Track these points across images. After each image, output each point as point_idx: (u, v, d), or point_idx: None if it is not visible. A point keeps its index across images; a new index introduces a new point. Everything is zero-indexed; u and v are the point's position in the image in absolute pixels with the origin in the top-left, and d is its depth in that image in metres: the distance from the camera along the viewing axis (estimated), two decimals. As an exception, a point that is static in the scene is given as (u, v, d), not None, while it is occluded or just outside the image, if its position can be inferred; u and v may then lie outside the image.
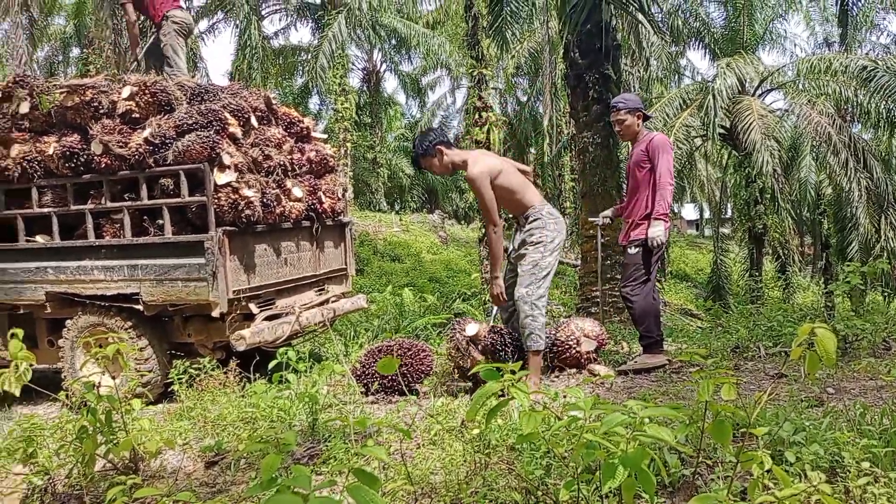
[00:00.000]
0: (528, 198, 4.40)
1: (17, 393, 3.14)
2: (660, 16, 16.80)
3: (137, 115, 5.07)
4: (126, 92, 5.06)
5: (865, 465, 2.35)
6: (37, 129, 5.27)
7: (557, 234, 4.35)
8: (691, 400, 3.53)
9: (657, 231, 4.61)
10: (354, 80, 28.70)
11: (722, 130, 14.43)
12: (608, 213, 5.31)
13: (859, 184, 13.89)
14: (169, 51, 6.43)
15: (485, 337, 4.44)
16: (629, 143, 5.02)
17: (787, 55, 22.21)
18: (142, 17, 6.91)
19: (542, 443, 2.66)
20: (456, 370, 4.70)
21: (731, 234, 22.06)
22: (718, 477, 2.49)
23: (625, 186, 6.46)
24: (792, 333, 5.03)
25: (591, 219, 7.04)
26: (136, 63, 6.72)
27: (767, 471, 1.78)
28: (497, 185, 4.27)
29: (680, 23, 17.91)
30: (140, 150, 4.89)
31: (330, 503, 1.51)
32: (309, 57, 23.96)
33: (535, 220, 4.36)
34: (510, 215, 4.56)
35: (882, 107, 13.08)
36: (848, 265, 4.91)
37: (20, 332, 3.19)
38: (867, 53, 18.24)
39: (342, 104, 22.02)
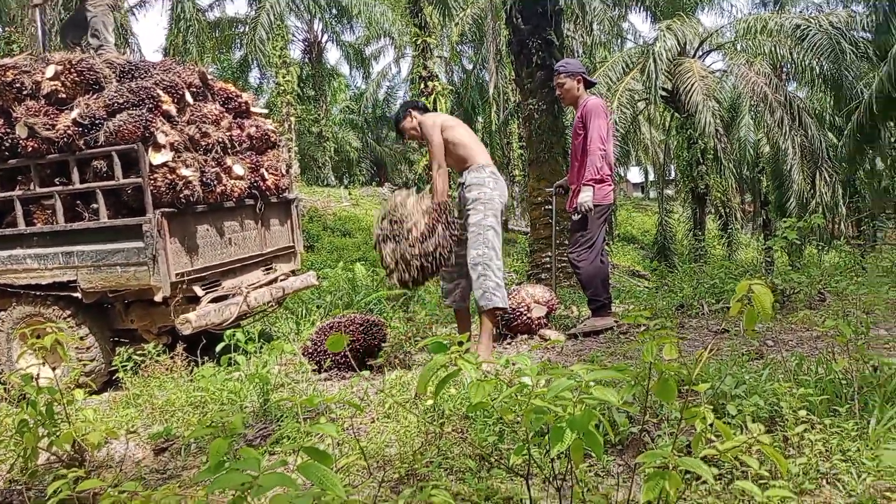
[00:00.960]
0: (472, 154, 4.42)
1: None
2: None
3: (64, 96, 4.84)
4: (50, 71, 4.81)
5: (802, 413, 2.44)
6: (-45, 114, 4.98)
7: (497, 194, 4.34)
8: (638, 360, 3.61)
9: (585, 197, 4.66)
10: (295, 52, 28.12)
11: (664, 93, 14.64)
12: (562, 181, 5.36)
13: (794, 141, 14.32)
14: (99, 24, 6.09)
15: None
16: (573, 108, 5.04)
17: (726, 17, 22.60)
18: None
19: (494, 411, 2.69)
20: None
21: (675, 195, 22.55)
22: (665, 433, 2.56)
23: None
24: (733, 290, 5.18)
25: (547, 189, 7.12)
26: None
27: (710, 425, 1.83)
28: (446, 136, 4.37)
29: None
30: (69, 131, 4.68)
31: (282, 479, 1.49)
32: (247, 29, 23.27)
33: (474, 176, 4.36)
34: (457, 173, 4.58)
35: (815, 64, 13.44)
36: (785, 221, 5.06)
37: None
38: (801, 12, 18.67)
39: (283, 77, 21.56)
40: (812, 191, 14.34)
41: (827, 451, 2.31)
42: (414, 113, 4.55)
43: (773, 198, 17.96)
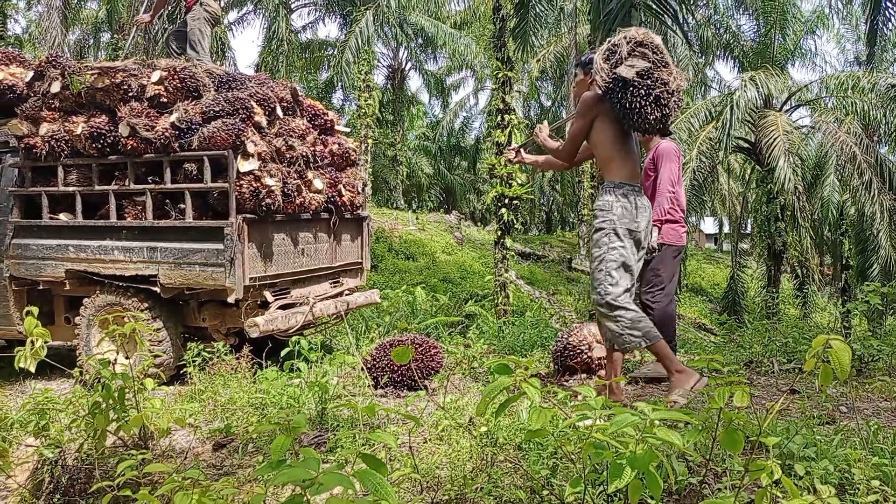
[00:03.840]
0: (614, 167, 3.73)
1: (33, 369, 3.19)
2: (690, 26, 16.70)
3: (165, 100, 5.13)
4: (156, 76, 5.12)
5: (875, 483, 2.32)
6: (66, 109, 5.35)
7: (625, 221, 3.67)
8: (700, 411, 3.51)
9: (653, 236, 4.59)
10: (379, 78, 28.83)
11: (746, 145, 14.29)
12: None
13: (882, 205, 13.72)
14: (196, 35, 6.46)
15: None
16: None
17: (817, 72, 21.98)
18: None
19: (550, 442, 2.67)
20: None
21: (749, 249, 21.86)
22: (725, 487, 2.48)
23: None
24: (807, 350, 4.98)
25: None
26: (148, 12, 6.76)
27: (776, 482, 1.77)
28: (598, 125, 3.71)
29: (710, 34, 17.77)
30: (166, 134, 4.95)
31: (341, 480, 1.52)
32: (335, 52, 24.07)
33: (601, 198, 3.76)
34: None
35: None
36: (867, 285, 4.86)
37: (35, 308, 3.23)
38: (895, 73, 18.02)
39: (365, 100, 22.11)
40: (898, 258, 13.66)
41: (900, 526, 2.19)
42: (596, 79, 3.60)
43: (856, 262, 17.16)
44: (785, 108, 15.54)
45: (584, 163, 5.65)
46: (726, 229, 39.14)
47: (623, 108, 3.51)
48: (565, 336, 4.79)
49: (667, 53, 3.58)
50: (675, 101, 3.55)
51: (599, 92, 3.63)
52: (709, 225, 42.82)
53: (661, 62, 3.52)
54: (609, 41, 3.61)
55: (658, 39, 3.57)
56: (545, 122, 4.28)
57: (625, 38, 3.53)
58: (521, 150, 4.67)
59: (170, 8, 12.90)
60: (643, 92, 3.44)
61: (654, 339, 3.71)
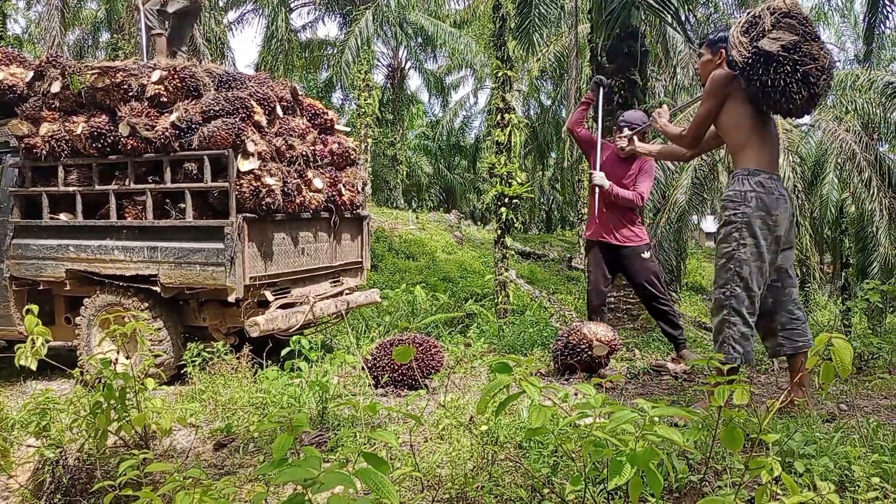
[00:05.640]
0: (749, 153, 3.42)
1: (34, 367, 3.19)
2: (690, 25, 16.70)
3: (165, 100, 5.13)
4: (156, 76, 5.12)
5: (875, 480, 2.33)
6: (66, 109, 5.35)
7: (760, 213, 3.34)
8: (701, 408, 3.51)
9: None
10: (379, 77, 28.82)
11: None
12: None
13: (882, 203, 13.71)
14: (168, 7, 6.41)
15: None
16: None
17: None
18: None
19: (550, 440, 2.67)
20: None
21: (749, 248, 21.77)
22: (726, 484, 2.48)
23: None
24: (807, 349, 4.99)
25: None
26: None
27: (776, 479, 1.78)
28: (730, 106, 3.43)
29: (710, 32, 17.78)
30: (166, 133, 4.95)
31: (342, 479, 1.52)
32: (334, 51, 24.09)
33: (731, 187, 3.43)
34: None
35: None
36: (867, 283, 4.86)
37: (35, 308, 3.24)
38: (894, 71, 18.00)
39: (365, 99, 22.12)
40: (898, 256, 13.67)
41: (900, 523, 2.20)
42: (732, 54, 3.33)
43: (855, 261, 17.16)
44: (784, 106, 15.50)
45: (707, 151, 5.37)
46: (726, 228, 39.09)
47: (764, 87, 3.19)
48: (565, 335, 4.79)
49: (815, 26, 3.24)
50: (825, 80, 3.20)
51: (731, 70, 3.32)
52: (709, 223, 42.78)
53: (811, 35, 3.17)
54: (749, 13, 3.31)
55: (806, 11, 3.22)
56: (664, 106, 3.99)
57: (768, 8, 3.21)
58: (635, 137, 4.48)
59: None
60: (789, 68, 3.11)
61: (748, 363, 3.50)
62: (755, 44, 3.18)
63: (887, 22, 8.73)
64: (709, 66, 3.63)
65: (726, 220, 3.42)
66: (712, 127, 3.62)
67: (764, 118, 3.44)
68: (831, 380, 1.89)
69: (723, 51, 3.56)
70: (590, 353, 4.72)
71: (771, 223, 3.35)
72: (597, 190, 4.92)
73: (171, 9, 6.40)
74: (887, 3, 8.25)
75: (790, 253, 3.55)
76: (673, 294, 15.04)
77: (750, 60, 3.20)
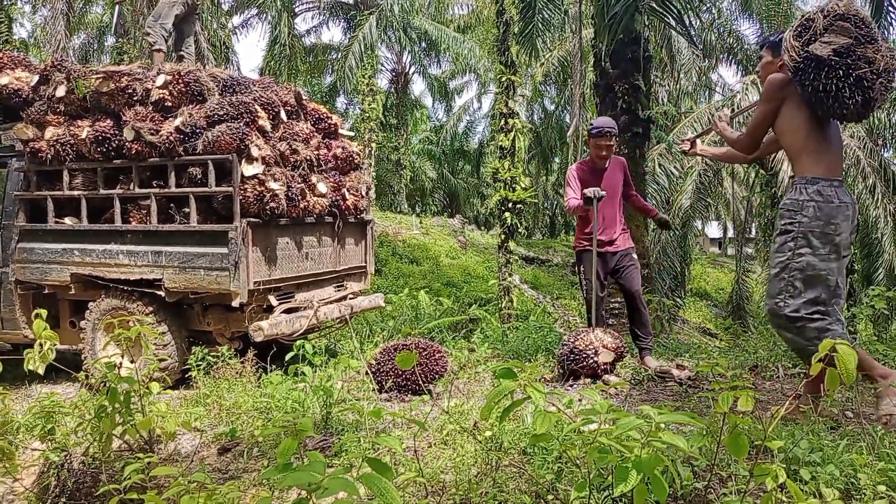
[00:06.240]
0: (807, 160, 3.33)
1: (42, 371, 3.20)
2: (694, 30, 16.72)
3: (170, 104, 5.15)
4: (160, 80, 5.14)
5: (882, 488, 2.32)
6: (71, 113, 5.37)
7: (818, 223, 3.28)
8: (706, 415, 3.50)
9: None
10: (383, 82, 28.88)
11: (749, 148, 14.20)
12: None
13: (886, 209, 13.68)
14: (161, 9, 6.41)
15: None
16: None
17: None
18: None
19: (555, 447, 2.67)
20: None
21: (754, 254, 21.80)
22: (731, 491, 2.47)
23: (650, 198, 6.51)
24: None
25: None
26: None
27: (781, 486, 1.77)
28: (786, 111, 3.34)
29: (713, 38, 17.81)
30: (171, 138, 4.97)
31: (346, 484, 1.52)
32: (338, 56, 24.16)
33: (789, 196, 3.36)
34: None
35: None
36: (873, 289, 4.84)
37: (44, 312, 3.24)
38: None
39: (369, 104, 22.16)
40: (903, 262, 13.63)
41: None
42: (784, 58, 3.27)
43: (860, 267, 17.11)
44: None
45: (769, 154, 5.43)
46: (731, 234, 39.11)
47: (816, 92, 3.13)
48: (571, 340, 4.78)
49: (874, 28, 3.15)
50: (881, 84, 3.11)
51: (787, 74, 3.24)
52: (713, 229, 42.76)
53: (867, 37, 3.09)
54: (803, 15, 3.24)
55: (864, 12, 3.16)
56: (725, 109, 4.01)
57: (821, 11, 3.13)
58: (697, 140, 4.37)
59: None
60: (841, 73, 3.05)
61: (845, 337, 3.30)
62: (806, 48, 3.13)
63: (891, 28, 8.72)
64: (769, 68, 3.55)
65: (782, 229, 3.37)
66: (770, 132, 3.55)
67: (822, 123, 3.36)
68: (836, 386, 1.89)
69: None
70: (596, 359, 4.72)
71: (830, 231, 3.28)
72: (594, 203, 4.85)
73: (169, 22, 6.42)
74: (891, 7, 8.24)
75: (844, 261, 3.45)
76: (678, 300, 15.02)
77: (801, 65, 3.15)
